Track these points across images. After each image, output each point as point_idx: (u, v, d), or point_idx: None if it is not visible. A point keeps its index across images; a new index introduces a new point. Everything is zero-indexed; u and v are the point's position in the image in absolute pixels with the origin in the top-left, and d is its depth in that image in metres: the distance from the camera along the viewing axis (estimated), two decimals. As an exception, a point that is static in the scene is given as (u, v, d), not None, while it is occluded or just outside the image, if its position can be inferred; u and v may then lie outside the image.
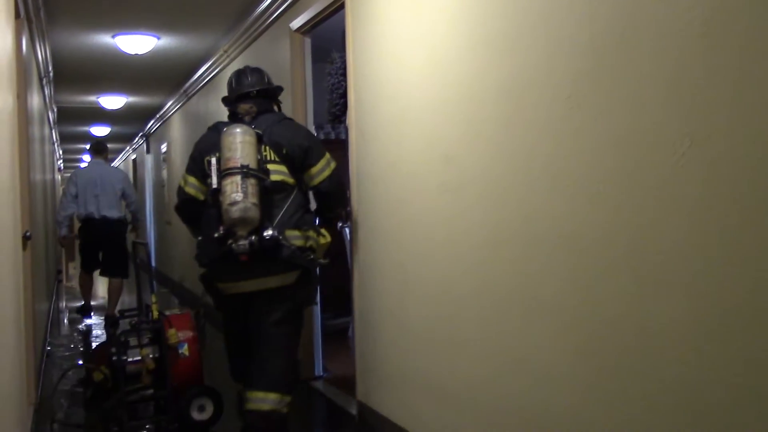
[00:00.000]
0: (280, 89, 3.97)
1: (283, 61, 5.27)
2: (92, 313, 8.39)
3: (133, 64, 7.62)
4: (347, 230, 4.89)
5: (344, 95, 5.35)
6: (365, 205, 3.97)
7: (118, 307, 7.27)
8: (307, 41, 5.06)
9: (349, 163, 4.17)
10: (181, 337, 4.33)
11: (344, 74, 4.26)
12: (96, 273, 7.99)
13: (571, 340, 2.34)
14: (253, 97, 3.74)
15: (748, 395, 1.73)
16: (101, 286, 9.46)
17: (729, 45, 1.76)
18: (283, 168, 3.57)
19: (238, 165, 3.35)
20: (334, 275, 5.63)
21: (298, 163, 3.63)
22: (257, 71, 3.87)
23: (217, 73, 7.58)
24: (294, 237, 3.55)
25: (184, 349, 4.34)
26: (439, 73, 3.11)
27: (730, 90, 1.76)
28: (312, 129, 5.14)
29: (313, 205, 3.93)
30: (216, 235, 3.42)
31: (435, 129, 3.16)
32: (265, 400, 3.60)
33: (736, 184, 1.75)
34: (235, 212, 3.32)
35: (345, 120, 4.33)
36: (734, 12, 1.74)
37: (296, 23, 4.92)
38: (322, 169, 3.69)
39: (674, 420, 1.95)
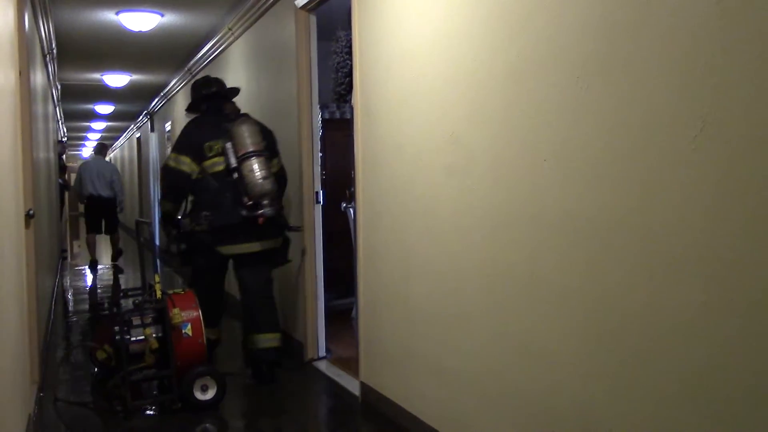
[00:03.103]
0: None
1: (288, 38, 5.21)
2: (98, 266, 11.09)
3: (137, 41, 7.56)
4: (351, 211, 4.86)
5: (350, 74, 5.29)
6: (370, 186, 3.93)
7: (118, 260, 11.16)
8: (313, 18, 5.00)
9: (354, 143, 4.13)
10: (184, 316, 4.31)
11: (350, 53, 4.21)
12: (98, 236, 11.19)
13: (578, 325, 2.32)
14: (230, 99, 4.53)
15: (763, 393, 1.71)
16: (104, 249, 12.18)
17: (744, 25, 1.71)
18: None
19: (261, 148, 4.15)
20: (337, 256, 5.62)
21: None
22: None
23: (221, 51, 7.52)
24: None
25: (188, 329, 4.32)
26: (446, 53, 3.06)
27: (745, 71, 1.71)
28: (317, 108, 5.10)
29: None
30: (246, 203, 4.07)
31: (442, 109, 3.12)
32: (274, 339, 4.53)
33: (751, 167, 1.71)
34: (266, 185, 4.09)
35: (350, 99, 4.29)
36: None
37: (301, 0, 4.86)
38: (280, 159, 4.57)
39: (682, 410, 1.92)
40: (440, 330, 3.21)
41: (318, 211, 5.06)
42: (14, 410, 3.03)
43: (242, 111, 4.77)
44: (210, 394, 4.19)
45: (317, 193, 5.04)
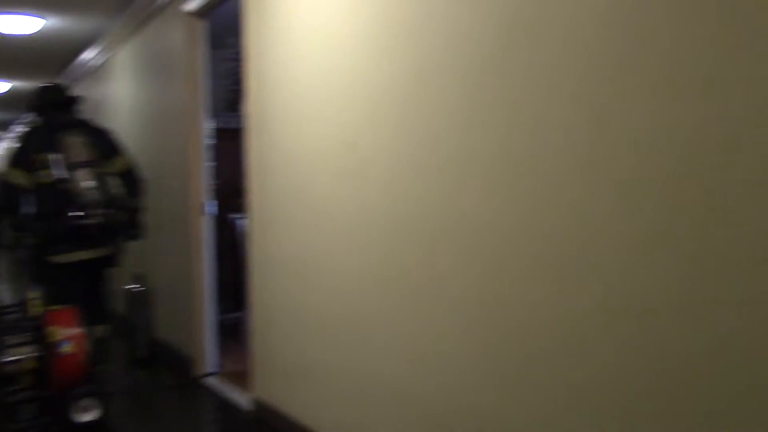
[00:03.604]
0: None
1: (177, 45, 5.06)
2: None
3: (17, 46, 7.17)
4: (241, 222, 4.75)
5: (241, 82, 5.18)
6: (264, 194, 3.84)
7: None
8: (202, 25, 4.87)
9: (246, 151, 4.03)
10: (64, 334, 4.07)
11: (241, 60, 4.14)
12: None
13: (472, 329, 2.31)
14: (68, 107, 4.43)
15: (663, 393, 1.74)
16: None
17: (635, 32, 1.75)
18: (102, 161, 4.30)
19: (87, 159, 4.19)
20: (226, 269, 5.47)
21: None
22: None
23: (107, 58, 7.24)
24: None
25: (67, 347, 4.09)
26: (341, 59, 3.03)
27: (640, 77, 1.75)
28: (206, 117, 4.97)
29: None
30: (71, 214, 4.07)
31: (337, 115, 3.08)
32: (105, 330, 4.59)
33: (645, 172, 1.74)
34: (90, 195, 4.12)
35: (242, 108, 4.22)
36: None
37: (191, 6, 4.72)
38: (125, 158, 4.54)
39: (575, 416, 1.94)
40: (335, 338, 3.16)
41: (207, 222, 4.91)
42: None
43: (89, 118, 4.70)
44: (91, 415, 3.97)
45: (206, 203, 4.90)
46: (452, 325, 2.42)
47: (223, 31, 5.85)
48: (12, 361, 3.94)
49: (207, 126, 4.98)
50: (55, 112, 4.35)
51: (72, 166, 4.13)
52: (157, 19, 5.51)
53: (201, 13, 4.75)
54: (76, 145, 4.19)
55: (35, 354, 3.99)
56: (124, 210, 4.35)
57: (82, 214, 4.12)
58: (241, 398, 4.29)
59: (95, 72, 7.79)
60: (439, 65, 2.43)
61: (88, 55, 7.62)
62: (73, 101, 4.47)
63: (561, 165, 1.97)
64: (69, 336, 4.11)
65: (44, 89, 4.47)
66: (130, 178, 4.44)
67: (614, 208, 1.82)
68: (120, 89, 6.89)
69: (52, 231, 4.16)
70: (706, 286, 1.61)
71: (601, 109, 1.85)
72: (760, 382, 1.52)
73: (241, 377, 4.53)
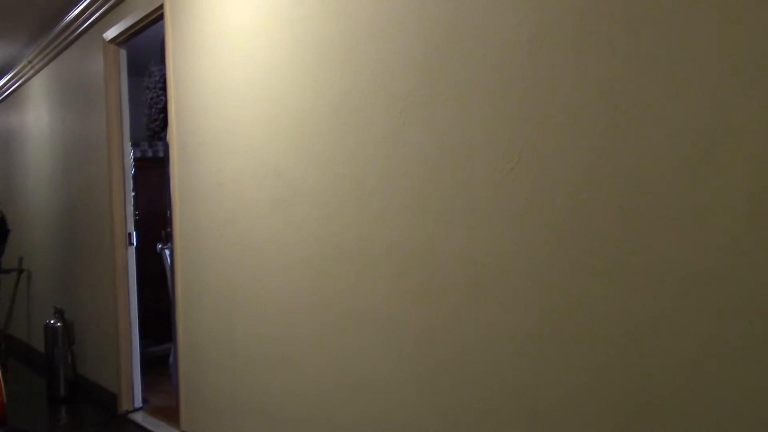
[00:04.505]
0: None
1: (96, 73, 4.96)
2: None
3: None
4: (167, 252, 4.67)
5: (164, 110, 5.11)
6: (189, 224, 3.78)
7: None
8: (123, 53, 4.79)
9: (169, 180, 3.97)
10: (-21, 373, 3.90)
11: (164, 88, 4.08)
12: None
13: (406, 355, 2.33)
14: None
15: (574, 398, 1.79)
16: None
17: (553, 61, 1.82)
18: None
19: None
20: (153, 300, 5.36)
21: None
22: None
23: (20, 85, 7.03)
24: None
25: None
26: (266, 88, 3.03)
27: (557, 106, 1.82)
28: (128, 146, 4.87)
29: None
30: None
31: (265, 145, 3.07)
32: None
33: (562, 199, 1.80)
34: None
35: (165, 136, 4.16)
36: (559, 26, 1.80)
37: (110, 33, 4.65)
38: None
39: (507, 426, 1.97)
40: (265, 371, 3.12)
41: (131, 253, 4.80)
42: None
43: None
44: (10, 457, 3.81)
45: (130, 234, 4.79)
46: (385, 354, 2.43)
47: (146, 58, 5.78)
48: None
49: (129, 155, 4.88)
50: None
51: None
52: (76, 47, 5.40)
53: (121, 40, 4.67)
54: None
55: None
56: None
57: None
58: (168, 433, 4.20)
59: (8, 100, 7.54)
60: (365, 95, 2.46)
61: (1, 82, 7.38)
62: None
63: (484, 193, 2.01)
64: (-15, 375, 3.95)
65: None
66: None
67: (550, 232, 1.87)
68: (37, 117, 6.69)
69: None
70: (616, 301, 1.67)
71: (518, 139, 1.90)
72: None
73: (168, 412, 4.43)
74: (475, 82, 2.04)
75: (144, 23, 4.27)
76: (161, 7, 3.93)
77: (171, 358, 5.00)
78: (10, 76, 7.05)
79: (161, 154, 6.16)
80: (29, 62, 6.40)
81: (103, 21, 4.78)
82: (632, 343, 1.68)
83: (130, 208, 4.83)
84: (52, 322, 5.47)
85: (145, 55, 5.48)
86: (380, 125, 2.40)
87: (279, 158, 2.97)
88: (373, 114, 2.42)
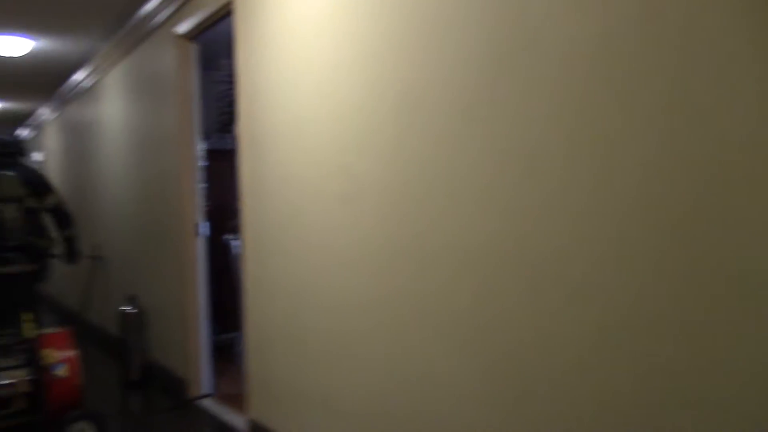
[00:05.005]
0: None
1: (168, 67, 5.09)
2: None
3: (7, 67, 7.19)
4: (235, 243, 4.76)
5: (233, 104, 5.21)
6: (257, 217, 3.85)
7: None
8: (194, 47, 4.90)
9: (239, 173, 4.05)
10: (58, 357, 4.07)
11: (233, 82, 4.17)
12: None
13: (469, 352, 2.33)
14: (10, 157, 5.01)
15: (630, 404, 1.76)
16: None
17: (618, 57, 1.79)
18: None
19: (10, 196, 4.79)
20: (224, 290, 5.48)
21: None
22: None
23: (98, 80, 7.26)
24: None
25: (62, 371, 4.08)
26: (333, 84, 3.05)
27: (621, 102, 1.79)
28: (198, 138, 4.99)
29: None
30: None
31: (330, 140, 3.10)
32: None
33: (623, 196, 1.77)
34: (8, 223, 4.73)
35: (234, 129, 4.25)
36: (625, 22, 1.77)
37: (182, 28, 4.75)
38: (55, 195, 5.09)
39: (570, 426, 1.96)
40: (330, 365, 3.16)
41: (200, 243, 4.92)
42: None
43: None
44: (86, 439, 3.95)
45: (199, 225, 4.90)
46: (448, 349, 2.43)
47: (216, 52, 5.89)
48: (5, 384, 3.93)
49: (199, 147, 5.00)
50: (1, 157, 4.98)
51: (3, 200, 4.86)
52: (149, 42, 5.54)
53: (192, 35, 4.78)
54: (9, 184, 4.87)
55: (29, 377, 3.98)
56: (49, 239, 5.02)
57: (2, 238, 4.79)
58: (236, 420, 4.29)
59: (86, 93, 7.80)
60: (428, 92, 2.46)
61: (79, 76, 7.63)
62: (17, 150, 5.12)
63: (555, 187, 1.99)
64: (63, 359, 4.11)
65: None
66: (58, 212, 5.09)
67: (614, 231, 1.85)
68: (111, 111, 6.90)
69: None
70: (699, 305, 1.64)
71: (598, 132, 1.88)
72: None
73: (236, 399, 4.53)
74: (539, 77, 2.02)
75: (214, 18, 4.35)
76: (231, 2, 4.00)
77: (239, 347, 5.11)
78: (86, 70, 7.28)
79: (231, 147, 6.27)
80: (105, 57, 6.60)
81: (175, 16, 4.89)
82: (696, 343, 1.64)
83: (200, 200, 4.94)
84: (125, 308, 5.65)
85: (216, 48, 5.59)
86: (443, 122, 2.39)
87: (344, 154, 2.99)
88: (436, 111, 2.43)
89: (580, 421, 1.94)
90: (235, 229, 4.09)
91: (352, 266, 2.97)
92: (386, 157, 2.71)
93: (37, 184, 5.04)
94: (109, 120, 7.01)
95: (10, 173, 4.92)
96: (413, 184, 2.57)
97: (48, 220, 5.11)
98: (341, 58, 2.99)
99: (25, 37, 6.14)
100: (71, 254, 5.21)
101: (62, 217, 5.15)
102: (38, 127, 11.22)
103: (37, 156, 11.60)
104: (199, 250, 4.92)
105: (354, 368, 2.99)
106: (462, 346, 2.36)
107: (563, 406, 1.99)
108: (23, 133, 12.38)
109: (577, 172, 1.91)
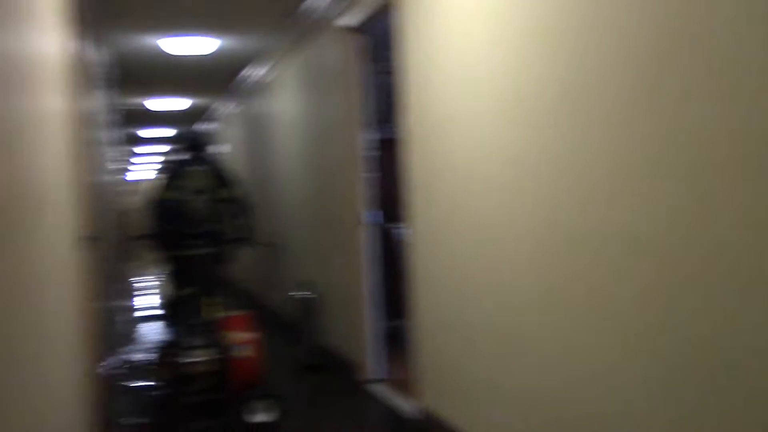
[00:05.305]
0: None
1: (336, 60, 5.21)
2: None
3: (192, 65, 7.68)
4: (400, 231, 4.82)
5: (396, 94, 5.25)
6: (422, 207, 3.87)
7: None
8: (361, 39, 4.99)
9: (404, 164, 4.09)
10: (239, 338, 4.31)
11: (396, 73, 4.22)
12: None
13: (643, 347, 2.21)
14: (195, 149, 5.48)
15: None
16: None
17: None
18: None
19: (199, 187, 5.28)
20: (386, 276, 5.57)
21: None
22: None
23: (274, 74, 7.58)
24: None
25: (243, 352, 4.31)
26: (495, 72, 3.00)
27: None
28: (365, 129, 5.08)
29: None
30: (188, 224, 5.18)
31: (492, 129, 3.05)
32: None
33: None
34: (203, 212, 5.23)
35: (397, 120, 4.30)
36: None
37: (349, 21, 4.85)
38: (231, 188, 5.49)
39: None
40: (501, 354, 3.12)
41: (366, 231, 5.02)
42: (71, 430, 3.04)
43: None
44: (265, 417, 4.16)
45: (364, 213, 5.00)
46: (621, 343, 2.32)
47: (382, 43, 5.97)
48: (192, 362, 4.22)
49: (365, 137, 5.09)
50: (192, 152, 5.45)
51: (193, 191, 5.34)
52: (318, 36, 5.71)
53: (359, 28, 4.86)
54: (192, 177, 5.33)
55: (213, 357, 4.25)
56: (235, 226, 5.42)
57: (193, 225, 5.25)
58: (406, 406, 4.35)
59: (263, 87, 8.17)
60: (595, 77, 2.35)
61: (257, 71, 8.01)
62: (205, 145, 5.57)
63: (720, 183, 1.84)
64: (244, 340, 4.34)
65: (188, 135, 5.64)
66: (234, 203, 5.45)
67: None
68: (285, 103, 7.19)
69: (174, 234, 5.34)
70: None
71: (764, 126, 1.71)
72: None
73: (405, 385, 4.59)
74: (703, 70, 1.88)
75: (380, 11, 4.40)
76: (395, -7, 4.03)
77: (407, 334, 5.18)
78: (264, 65, 7.63)
79: (394, 136, 6.33)
80: (279, 52, 6.87)
81: (343, 10, 5.00)
82: None
83: (366, 189, 5.03)
84: (300, 293, 5.88)
85: (382, 39, 5.66)
86: (612, 108, 2.28)
87: (505, 144, 2.93)
88: (599, 102, 2.32)
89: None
90: (401, 218, 4.13)
91: (517, 260, 2.91)
92: (552, 147, 2.63)
93: (221, 177, 5.43)
94: (283, 112, 7.31)
95: (199, 167, 5.35)
96: (581, 175, 2.47)
97: (230, 209, 5.46)
98: (503, 44, 2.92)
99: (211, 37, 6.52)
100: (249, 240, 5.58)
101: (243, 207, 5.50)
102: (222, 120, 11.91)
103: (222, 147, 12.33)
104: (366, 238, 5.02)
105: (524, 358, 2.93)
106: (628, 346, 2.25)
107: (747, 404, 1.83)
108: (210, 126, 13.20)
109: (744, 163, 1.75)
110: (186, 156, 5.52)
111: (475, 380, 3.38)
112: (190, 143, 5.51)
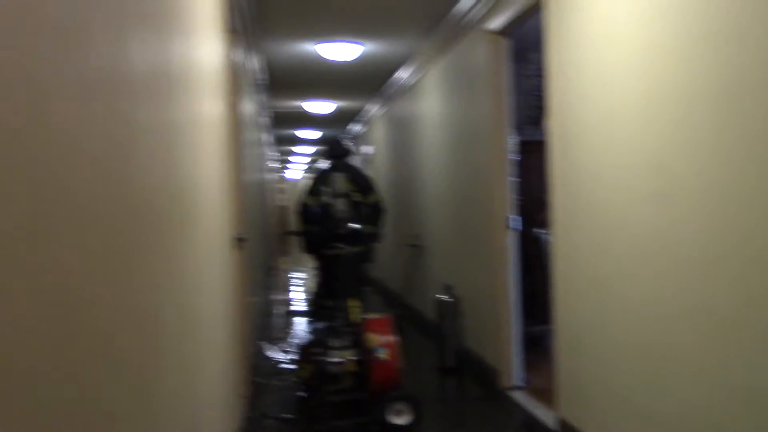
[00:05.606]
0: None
1: (481, 62, 5.19)
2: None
3: (340, 70, 7.89)
4: (545, 237, 4.73)
5: (543, 97, 5.16)
6: (566, 213, 3.79)
7: None
8: (506, 42, 4.94)
9: (548, 168, 4.01)
10: (380, 341, 4.38)
11: (543, 75, 4.15)
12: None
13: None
14: (340, 156, 5.88)
15: None
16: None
17: None
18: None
19: (343, 191, 5.71)
20: (534, 282, 5.48)
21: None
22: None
23: (418, 77, 7.65)
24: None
25: (383, 354, 4.39)
26: (647, 75, 2.88)
27: None
28: (509, 132, 5.03)
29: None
30: (332, 225, 5.53)
31: (643, 133, 2.93)
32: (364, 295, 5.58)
33: None
34: (343, 214, 5.62)
35: (544, 123, 4.23)
36: None
37: (494, 25, 4.82)
38: (374, 194, 5.90)
39: None
40: (645, 371, 2.99)
41: (511, 235, 4.96)
42: (221, 423, 3.21)
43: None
44: (404, 419, 4.21)
45: (509, 218, 4.95)
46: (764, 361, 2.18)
47: (527, 46, 5.89)
48: (336, 362, 4.34)
49: (511, 140, 5.04)
50: (334, 159, 5.82)
51: (334, 195, 5.72)
52: (463, 39, 5.70)
53: (504, 31, 4.82)
54: (336, 182, 5.71)
55: (355, 357, 4.35)
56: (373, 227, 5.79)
57: (338, 224, 5.56)
58: (546, 416, 4.27)
59: (408, 90, 8.26)
60: (758, 79, 2.21)
61: (401, 75, 8.11)
62: (346, 152, 5.90)
63: None
64: (385, 343, 4.42)
65: (331, 143, 5.96)
66: (375, 208, 5.82)
67: None
68: (429, 106, 7.23)
69: (323, 233, 5.66)
70: None
71: None
72: None
73: (545, 394, 4.51)
74: None
75: (526, 13, 4.35)
76: (542, -5, 3.97)
77: (549, 341, 5.09)
78: (409, 68, 7.71)
79: (541, 138, 6.23)
80: (425, 55, 6.93)
81: (488, 13, 4.97)
82: None
83: (511, 193, 4.98)
84: (442, 296, 5.90)
85: (526, 42, 5.59)
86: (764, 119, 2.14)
87: (659, 149, 2.81)
88: (760, 102, 2.17)
89: None
90: (545, 223, 4.06)
91: (666, 271, 2.78)
92: (704, 151, 2.50)
93: (361, 183, 5.83)
94: (427, 115, 7.36)
95: (340, 173, 5.74)
96: (738, 183, 2.33)
97: (367, 212, 5.84)
98: (656, 46, 2.81)
99: (356, 43, 6.68)
100: (379, 239, 5.97)
101: (379, 211, 5.89)
102: (367, 123, 12.14)
103: (367, 149, 12.57)
104: (510, 243, 4.96)
105: (668, 378, 2.80)
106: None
107: None
108: (355, 128, 13.50)
109: None
110: (329, 162, 5.89)
111: (616, 396, 3.26)
112: (333, 151, 5.87)
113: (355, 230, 5.59)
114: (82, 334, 1.14)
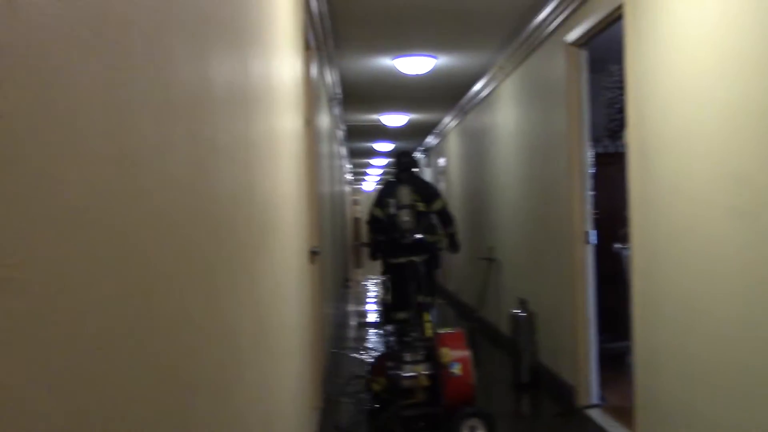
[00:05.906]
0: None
1: (558, 74, 5.13)
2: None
3: (413, 84, 7.91)
4: (624, 252, 4.63)
5: (622, 110, 5.07)
6: (645, 228, 3.70)
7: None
8: (583, 54, 4.87)
9: (627, 182, 3.93)
10: (453, 356, 4.36)
11: (622, 88, 4.07)
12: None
13: None
14: (407, 168, 6.14)
15: None
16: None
17: None
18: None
19: (408, 203, 5.94)
20: (612, 297, 5.37)
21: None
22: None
23: (492, 89, 7.61)
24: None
25: (456, 369, 4.36)
26: (731, 87, 2.79)
27: None
28: (587, 145, 4.94)
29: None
30: (396, 235, 5.83)
31: (724, 146, 2.84)
32: (432, 300, 6.01)
33: None
34: (407, 224, 5.85)
35: (623, 136, 4.16)
36: None
37: (572, 36, 4.75)
38: (440, 200, 6.18)
39: None
40: (731, 393, 2.88)
41: (588, 250, 4.87)
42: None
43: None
44: (477, 435, 4.17)
45: (587, 232, 4.86)
46: None
47: (605, 57, 5.80)
48: (410, 376, 4.33)
49: (588, 153, 4.96)
50: (399, 171, 6.06)
51: (399, 207, 5.92)
52: (540, 51, 5.65)
53: (581, 42, 4.75)
54: (401, 194, 5.93)
55: (429, 372, 4.34)
56: (438, 235, 6.05)
57: (403, 234, 5.82)
58: (623, 435, 4.16)
59: (482, 102, 8.23)
60: None
61: (476, 87, 8.08)
62: (412, 164, 6.15)
63: None
64: (458, 358, 4.39)
65: (398, 155, 6.20)
66: (444, 215, 6.09)
67: None
68: (504, 118, 7.18)
69: (387, 244, 5.96)
70: None
71: None
72: None
73: (624, 412, 4.40)
74: None
75: (603, 24, 4.28)
76: (620, 6, 3.90)
77: (628, 358, 4.96)
78: (483, 81, 7.68)
79: (620, 150, 6.11)
80: (500, 68, 6.89)
81: (565, 25, 4.91)
82: None
83: (589, 206, 4.89)
84: (516, 311, 5.83)
85: (604, 53, 5.50)
86: None
87: (742, 163, 2.71)
88: None
89: None
90: (624, 238, 3.97)
91: (752, 291, 2.68)
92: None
93: (425, 193, 6.08)
94: (502, 127, 7.31)
95: (405, 185, 5.99)
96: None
97: (435, 221, 6.12)
98: (741, 56, 2.72)
99: (429, 57, 6.69)
100: (453, 246, 6.20)
101: (446, 218, 6.15)
102: (441, 135, 12.13)
103: (440, 161, 12.56)
104: (588, 257, 4.87)
105: (754, 403, 2.69)
106: None
107: None
108: (428, 140, 13.51)
109: None
110: (395, 174, 6.16)
111: (698, 416, 3.15)
112: (398, 164, 6.14)
113: (418, 240, 5.82)
114: (165, 351, 1.17)
